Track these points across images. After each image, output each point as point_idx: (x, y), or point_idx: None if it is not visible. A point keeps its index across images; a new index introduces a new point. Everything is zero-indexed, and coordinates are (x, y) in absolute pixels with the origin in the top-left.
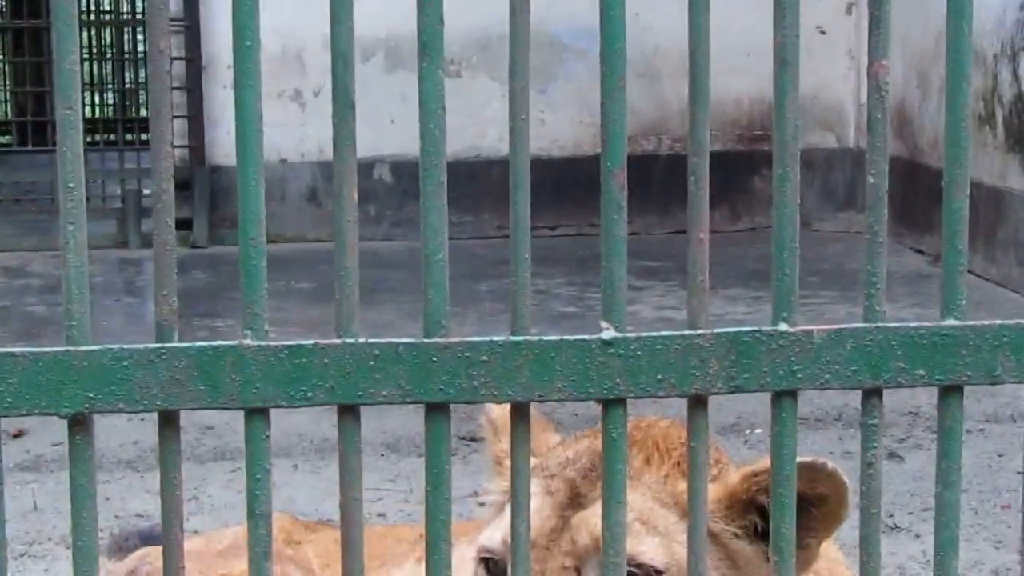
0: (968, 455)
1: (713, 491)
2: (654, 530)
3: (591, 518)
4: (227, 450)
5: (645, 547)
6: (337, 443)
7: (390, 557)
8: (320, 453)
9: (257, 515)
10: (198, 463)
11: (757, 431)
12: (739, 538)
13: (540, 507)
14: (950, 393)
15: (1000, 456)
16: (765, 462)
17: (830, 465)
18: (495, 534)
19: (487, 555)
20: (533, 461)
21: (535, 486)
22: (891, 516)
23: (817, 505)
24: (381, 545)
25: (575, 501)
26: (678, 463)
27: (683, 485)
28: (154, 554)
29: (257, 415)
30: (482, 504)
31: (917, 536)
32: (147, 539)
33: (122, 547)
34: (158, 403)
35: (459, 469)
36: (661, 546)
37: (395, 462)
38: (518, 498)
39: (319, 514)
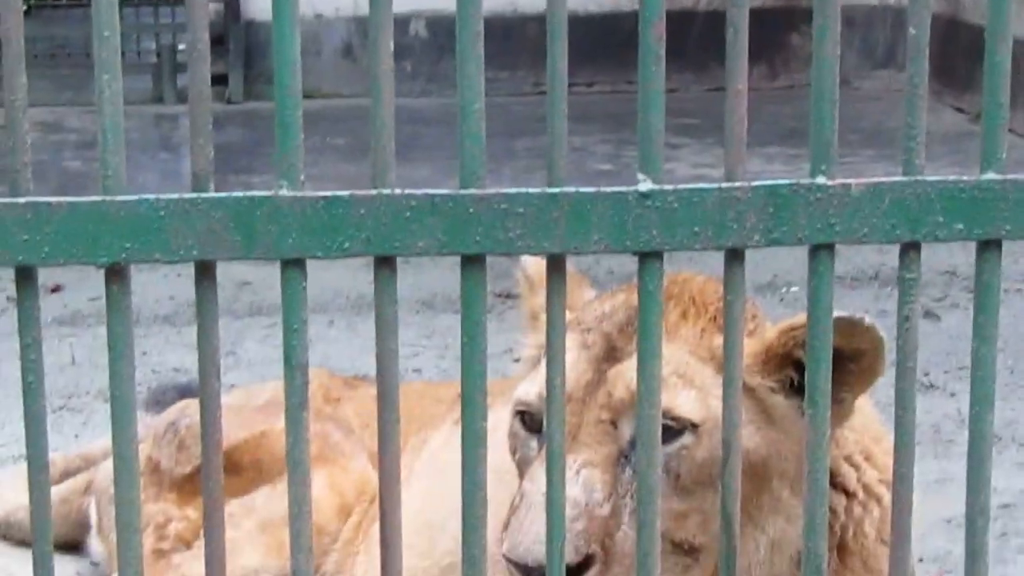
0: (1005, 315)
1: (750, 345)
2: (690, 384)
3: (627, 372)
4: (263, 306)
5: (681, 400)
6: (374, 296)
7: (428, 419)
8: (356, 310)
9: (294, 366)
10: (235, 318)
11: (793, 289)
12: (775, 392)
13: (576, 361)
14: (988, 248)
15: None
16: (802, 317)
17: (868, 320)
18: (531, 388)
19: (523, 408)
20: (569, 315)
21: (571, 340)
22: (926, 375)
23: (854, 360)
24: (419, 406)
25: (611, 355)
26: (714, 318)
27: (719, 340)
28: (192, 407)
29: (293, 266)
30: (517, 360)
31: (952, 395)
32: (184, 393)
33: (159, 401)
34: (194, 253)
35: (494, 326)
36: (697, 400)
37: (431, 318)
38: (553, 351)
39: (355, 370)
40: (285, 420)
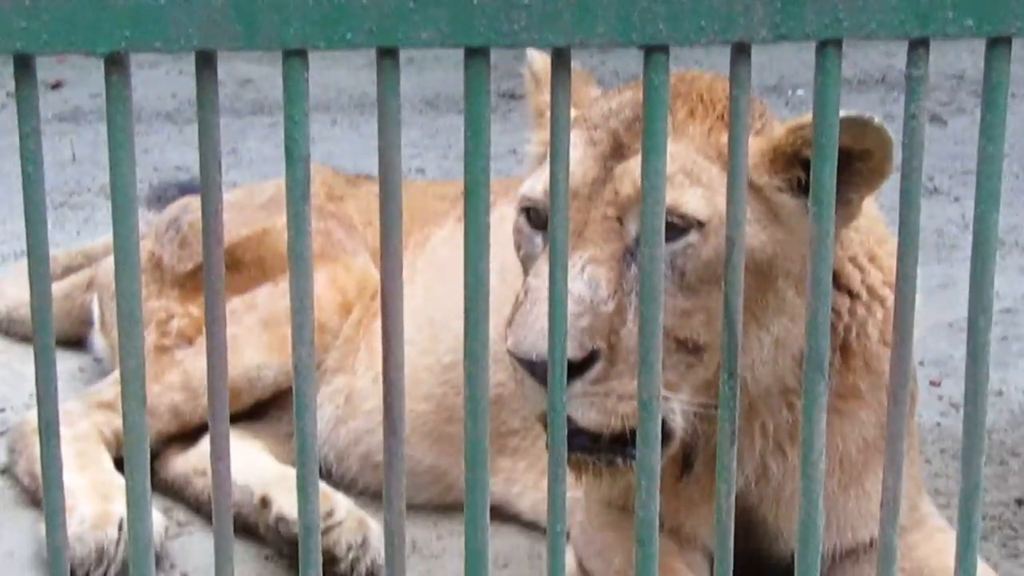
0: (1012, 120)
1: (757, 144)
2: (697, 182)
3: (634, 169)
4: (265, 104)
5: (688, 198)
6: (376, 90)
7: (431, 216)
8: (359, 109)
9: (296, 159)
10: (236, 117)
11: (799, 92)
12: (782, 191)
13: (582, 157)
14: (998, 45)
15: None
16: (810, 116)
17: (876, 119)
18: (536, 184)
19: (528, 204)
20: (574, 113)
21: (577, 137)
22: (931, 179)
23: (862, 160)
24: (422, 203)
25: (618, 152)
26: (722, 116)
27: (727, 138)
28: (195, 204)
29: (295, 56)
30: (520, 161)
31: (956, 199)
32: (186, 190)
33: (161, 197)
34: (195, 43)
35: (498, 127)
36: (703, 197)
37: (434, 118)
38: (557, 145)
39: (357, 169)
40: (287, 212)
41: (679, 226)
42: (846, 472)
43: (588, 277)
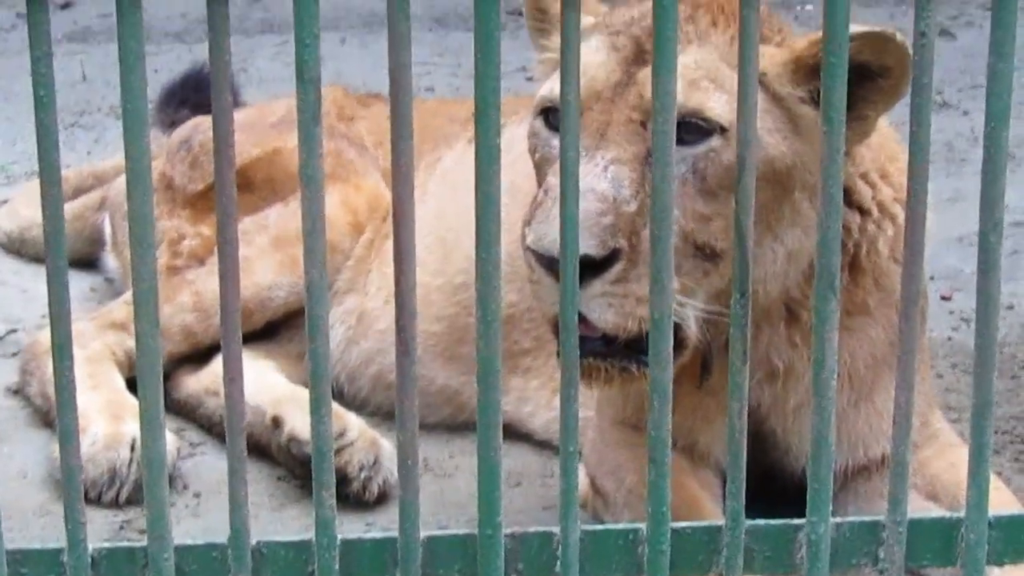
0: (1021, 35)
1: (779, 55)
2: (721, 88)
3: None
4: (275, 22)
5: (713, 103)
6: (386, 10)
7: (442, 138)
8: (368, 27)
9: (306, 80)
10: (245, 36)
11: (808, 7)
12: (804, 103)
13: (605, 61)
14: None
15: None
16: None
17: (898, 35)
18: (555, 85)
19: (548, 105)
20: (593, 19)
21: (599, 42)
22: (940, 93)
23: (881, 76)
24: (433, 123)
25: (640, 57)
26: None
27: None
28: (206, 124)
29: None
30: (530, 79)
31: (965, 113)
32: (196, 94)
33: (173, 121)
34: None
35: (508, 44)
36: (727, 104)
37: (443, 36)
38: (568, 57)
39: (367, 88)
40: (298, 136)
41: (703, 129)
42: (856, 389)
43: (612, 176)
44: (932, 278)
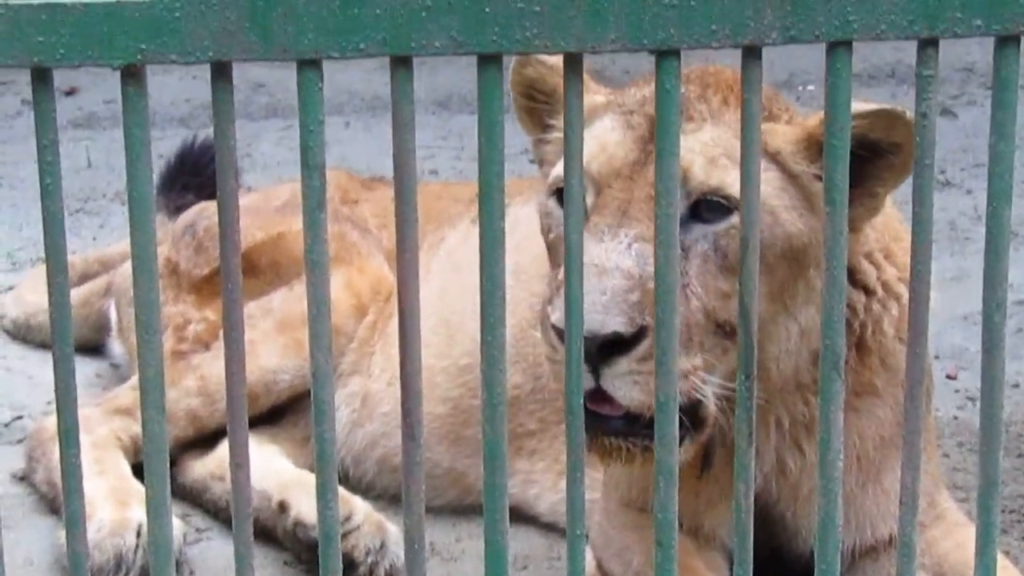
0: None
1: (791, 132)
2: (739, 165)
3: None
4: (279, 107)
5: (732, 179)
6: (390, 96)
7: (445, 219)
8: (372, 111)
9: (311, 167)
10: (250, 120)
11: (810, 88)
12: (818, 180)
13: (622, 140)
14: (1007, 44)
15: None
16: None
17: (908, 113)
18: None
19: (562, 185)
20: (601, 99)
21: (613, 121)
22: (943, 172)
23: (891, 153)
24: (436, 205)
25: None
26: None
27: (764, 126)
28: (210, 209)
29: (310, 66)
30: (533, 161)
31: (969, 192)
32: (196, 152)
33: (179, 206)
34: (210, 54)
35: (511, 127)
36: None
37: (446, 119)
38: (571, 151)
39: (371, 171)
40: (303, 221)
41: (723, 207)
42: (864, 469)
43: (636, 253)
44: (937, 357)
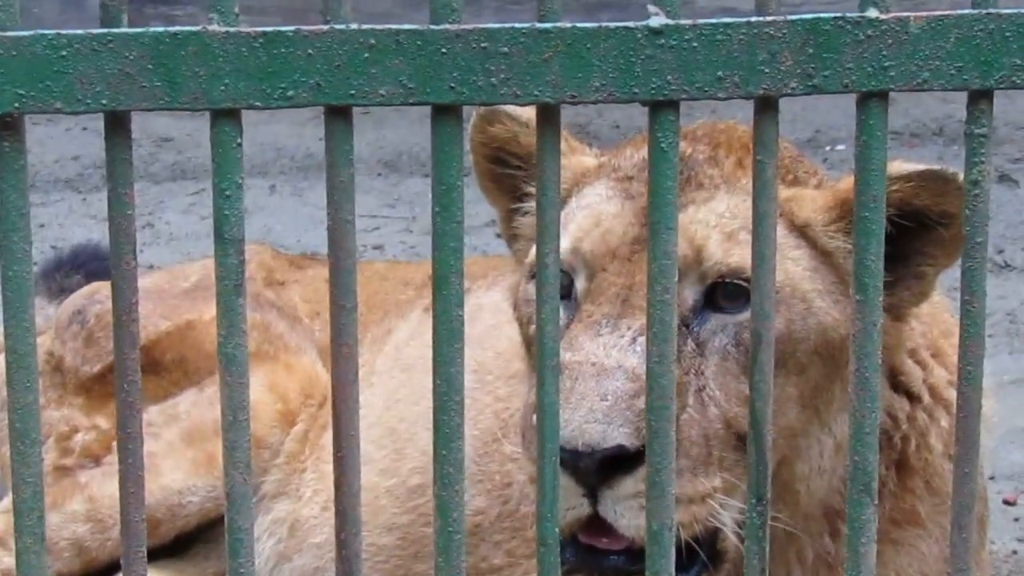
0: None
1: (820, 199)
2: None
3: (691, 224)
4: (188, 167)
5: None
6: (324, 155)
7: (392, 306)
8: (303, 172)
9: (227, 240)
10: (153, 182)
11: (839, 148)
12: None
13: (619, 212)
14: None
15: None
16: (891, 165)
17: (961, 175)
18: (560, 241)
19: None
20: (591, 161)
21: (608, 189)
22: (1001, 252)
23: (942, 225)
24: (381, 290)
25: None
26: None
27: (787, 193)
28: (103, 291)
29: (226, 118)
30: (499, 236)
31: None
32: (94, 263)
33: (63, 287)
34: (104, 102)
35: (473, 192)
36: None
37: (395, 183)
38: (546, 220)
39: (302, 246)
40: (217, 308)
41: (746, 291)
42: None
43: (642, 350)
44: (992, 478)
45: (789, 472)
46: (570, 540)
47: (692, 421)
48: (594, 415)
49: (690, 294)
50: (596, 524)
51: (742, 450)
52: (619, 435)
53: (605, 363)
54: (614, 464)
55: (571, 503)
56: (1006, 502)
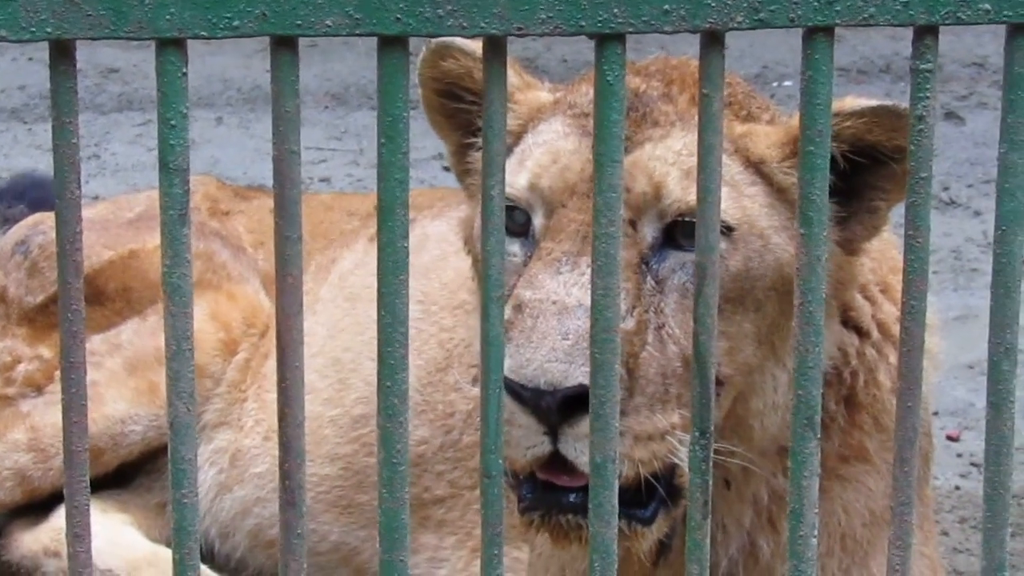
0: None
1: (773, 134)
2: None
3: (648, 161)
4: (135, 98)
5: None
6: (270, 87)
7: (337, 235)
8: (250, 104)
9: (171, 170)
10: (100, 113)
11: (786, 83)
12: None
13: (577, 149)
14: (1021, 32)
15: None
16: (843, 101)
17: None
18: (515, 177)
19: (508, 203)
20: (547, 96)
21: (565, 126)
22: (946, 189)
23: (894, 160)
24: (327, 220)
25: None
26: (730, 103)
27: (741, 128)
28: (47, 222)
29: (171, 48)
30: (447, 168)
31: (977, 214)
32: (35, 191)
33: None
34: (48, 30)
35: (420, 126)
36: (730, 198)
37: (342, 116)
38: (492, 154)
39: (248, 178)
40: (161, 238)
41: None
42: (849, 552)
43: None
44: (936, 413)
45: (744, 407)
46: (528, 478)
47: (651, 358)
48: (556, 354)
49: (649, 231)
50: (556, 462)
51: None
52: (580, 374)
53: (566, 301)
54: (576, 403)
55: (532, 441)
56: (949, 438)
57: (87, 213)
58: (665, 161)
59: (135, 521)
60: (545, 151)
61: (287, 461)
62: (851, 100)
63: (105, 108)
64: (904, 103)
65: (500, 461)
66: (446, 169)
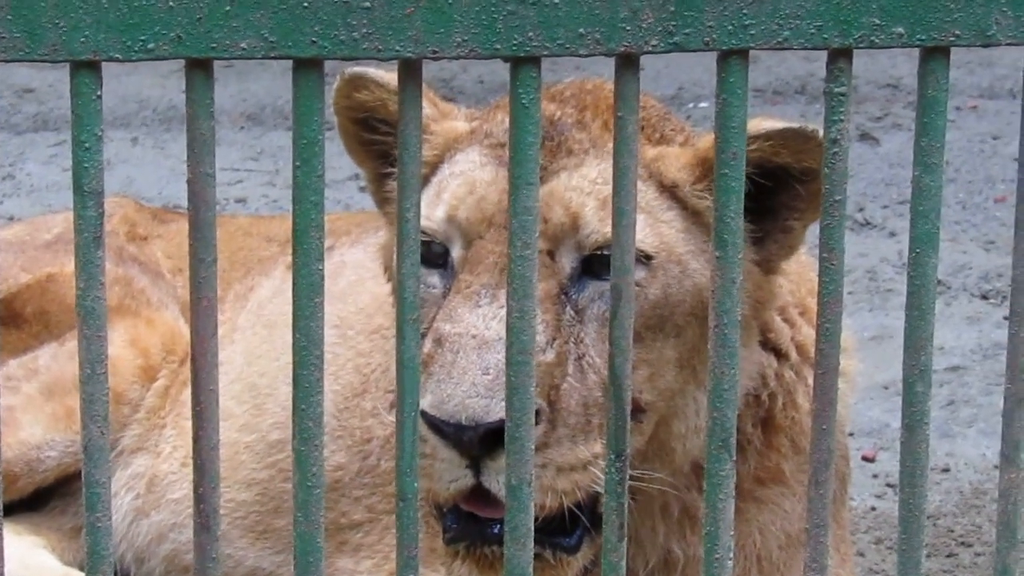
0: (957, 137)
1: (683, 156)
2: (637, 208)
3: (564, 192)
4: (50, 118)
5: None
6: (185, 110)
7: (256, 262)
8: (165, 124)
9: (86, 192)
10: (15, 134)
11: (702, 105)
12: None
13: (494, 179)
14: (934, 56)
15: (995, 139)
16: (757, 123)
17: (821, 132)
18: (433, 210)
19: (423, 237)
20: (463, 126)
21: (483, 156)
22: (861, 210)
23: (803, 181)
24: (244, 246)
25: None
26: (643, 127)
27: (653, 152)
28: None
29: (86, 70)
30: (362, 190)
31: (892, 234)
32: None
33: None
34: None
35: (336, 146)
36: (647, 226)
37: (258, 136)
38: (407, 177)
39: (163, 199)
40: (75, 260)
41: None
42: (765, 574)
43: None
44: (851, 434)
45: (667, 431)
46: (452, 509)
47: (572, 389)
48: (476, 389)
49: (568, 262)
50: (479, 494)
51: None
52: (501, 409)
53: (486, 335)
54: (497, 436)
55: (455, 475)
56: (865, 458)
57: (3, 234)
58: (581, 191)
59: (49, 544)
60: (462, 182)
61: (201, 484)
62: (758, 122)
63: (20, 128)
64: (812, 125)
65: (415, 484)
66: (362, 190)
